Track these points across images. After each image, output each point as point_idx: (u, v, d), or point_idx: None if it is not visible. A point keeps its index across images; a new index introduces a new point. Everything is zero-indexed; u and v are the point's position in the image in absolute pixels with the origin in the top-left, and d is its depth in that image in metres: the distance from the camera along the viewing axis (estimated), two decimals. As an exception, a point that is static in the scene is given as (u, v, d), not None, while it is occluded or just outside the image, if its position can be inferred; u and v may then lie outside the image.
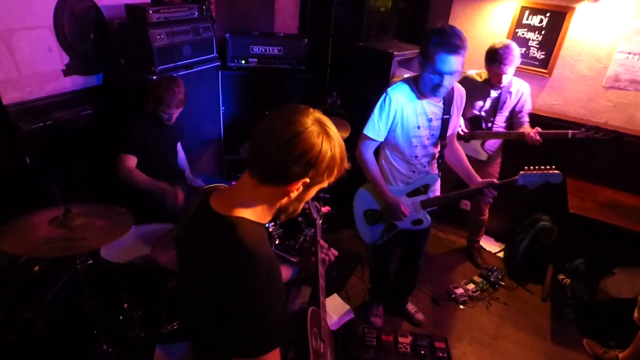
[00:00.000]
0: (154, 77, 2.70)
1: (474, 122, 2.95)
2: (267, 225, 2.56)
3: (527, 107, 2.84)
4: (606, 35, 2.89)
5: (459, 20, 3.31)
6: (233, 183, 3.11)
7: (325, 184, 1.06)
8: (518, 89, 2.81)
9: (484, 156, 2.99)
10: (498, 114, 2.86)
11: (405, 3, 3.79)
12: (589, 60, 3.00)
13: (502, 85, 2.75)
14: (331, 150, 0.97)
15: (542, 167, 2.04)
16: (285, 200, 1.04)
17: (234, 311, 0.92)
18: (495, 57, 2.64)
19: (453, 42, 1.81)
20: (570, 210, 2.73)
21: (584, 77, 3.05)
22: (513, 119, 2.88)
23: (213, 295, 0.96)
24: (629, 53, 2.86)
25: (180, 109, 2.50)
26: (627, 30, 2.82)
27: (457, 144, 2.30)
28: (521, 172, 2.05)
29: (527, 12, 3.07)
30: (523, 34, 3.12)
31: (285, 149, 0.93)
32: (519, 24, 3.12)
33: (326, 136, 0.97)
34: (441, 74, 1.87)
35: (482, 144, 2.97)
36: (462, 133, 2.87)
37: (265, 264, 0.96)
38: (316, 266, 1.50)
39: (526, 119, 2.83)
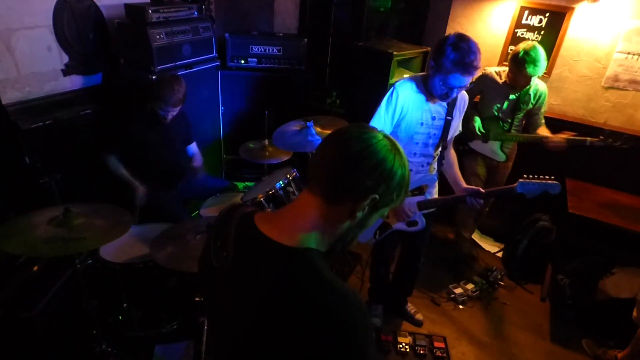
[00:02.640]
0: (154, 77, 2.71)
1: (490, 122, 2.89)
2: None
3: (544, 109, 2.82)
4: (605, 36, 2.89)
5: (458, 20, 3.31)
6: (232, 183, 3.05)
7: (385, 212, 0.97)
8: (537, 91, 2.76)
9: (501, 157, 2.96)
10: (516, 115, 2.83)
11: (405, 3, 3.80)
12: (588, 60, 3.00)
13: (524, 88, 2.71)
14: (402, 168, 0.91)
15: (542, 176, 2.01)
16: (347, 222, 0.93)
17: (334, 356, 0.81)
18: (526, 59, 2.56)
19: (469, 62, 1.81)
20: (569, 210, 2.74)
21: (583, 77, 3.05)
22: (530, 119, 2.86)
23: (287, 338, 0.83)
24: (628, 53, 2.86)
25: (177, 108, 2.50)
26: (626, 30, 2.82)
27: (452, 149, 2.29)
28: (520, 180, 2.02)
29: (526, 12, 3.07)
30: (522, 34, 3.13)
31: (358, 159, 0.87)
32: (518, 24, 3.12)
33: (397, 152, 0.91)
34: (452, 88, 1.91)
35: (501, 146, 2.93)
36: (479, 133, 2.85)
37: (358, 300, 0.86)
38: None
39: (542, 120, 2.82)
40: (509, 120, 2.85)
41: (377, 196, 0.89)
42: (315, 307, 0.81)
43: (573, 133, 2.65)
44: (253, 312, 0.87)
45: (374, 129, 0.92)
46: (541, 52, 2.56)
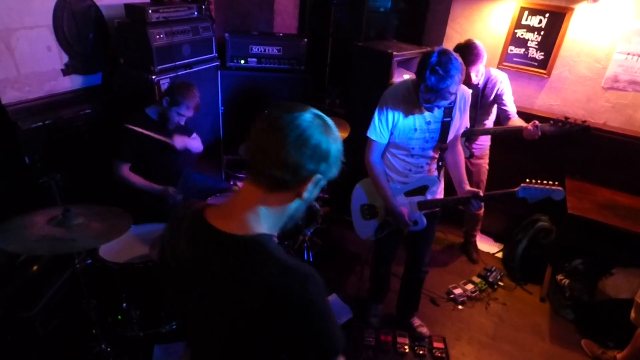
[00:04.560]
0: (166, 79, 2.76)
1: None
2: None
3: (507, 98, 2.78)
4: (605, 36, 2.89)
5: (458, 20, 3.31)
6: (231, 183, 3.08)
7: (324, 182, 1.01)
8: (495, 81, 2.76)
9: (466, 153, 2.96)
10: (479, 110, 2.83)
11: (405, 3, 3.80)
12: (588, 60, 3.00)
13: (473, 83, 2.71)
14: (335, 142, 0.96)
15: (545, 181, 1.97)
16: (295, 202, 0.98)
17: (302, 332, 0.88)
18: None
19: (444, 88, 1.79)
20: (569, 211, 2.74)
21: (583, 78, 3.05)
22: (498, 112, 2.86)
23: (266, 321, 0.88)
24: (628, 54, 2.86)
25: (192, 113, 2.58)
26: (626, 31, 2.82)
27: (459, 148, 2.26)
28: (522, 184, 1.99)
29: (526, 13, 3.07)
30: (522, 34, 3.13)
31: (297, 146, 0.89)
32: (518, 24, 3.12)
33: (329, 129, 0.95)
34: (433, 107, 1.93)
35: (466, 141, 2.95)
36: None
37: (312, 275, 0.91)
38: None
39: (512, 109, 2.78)
40: (473, 117, 2.84)
41: (320, 175, 0.94)
42: (275, 288, 0.87)
43: (535, 121, 2.62)
44: (220, 304, 0.93)
45: (302, 109, 0.94)
46: (473, 48, 2.57)
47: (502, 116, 2.83)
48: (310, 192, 0.96)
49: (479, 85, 2.77)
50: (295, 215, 1.02)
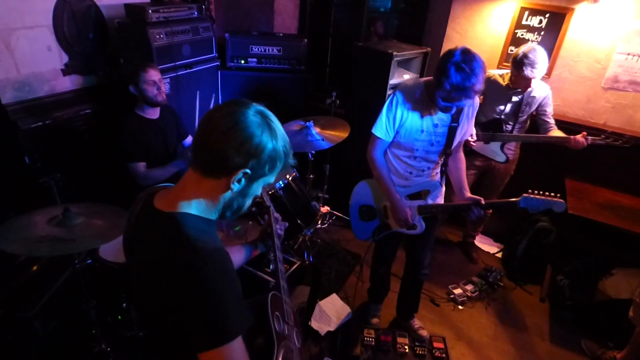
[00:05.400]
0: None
1: (492, 124, 2.89)
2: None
3: (549, 110, 2.81)
4: (605, 36, 2.89)
5: (458, 21, 3.31)
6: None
7: (271, 179, 1.06)
8: (540, 94, 2.77)
9: (502, 158, 2.97)
10: (519, 117, 2.84)
11: (405, 3, 3.80)
12: (588, 61, 3.00)
13: (526, 88, 2.71)
14: (272, 142, 0.99)
15: (547, 193, 1.99)
16: (228, 193, 1.03)
17: (190, 307, 0.92)
18: (525, 62, 2.58)
19: (469, 86, 1.76)
20: (569, 211, 2.73)
21: (583, 78, 3.05)
22: (538, 122, 2.86)
23: (166, 294, 0.95)
24: (628, 54, 2.86)
25: (158, 73, 2.42)
26: (626, 31, 2.82)
27: (462, 154, 2.25)
28: (524, 195, 1.99)
29: (526, 13, 3.07)
30: (522, 34, 3.13)
31: (225, 137, 0.95)
32: (518, 24, 3.12)
33: (268, 128, 0.98)
34: (452, 106, 1.90)
35: (502, 146, 2.94)
36: (472, 140, 2.82)
37: (214, 256, 0.96)
38: (275, 252, 1.55)
39: (552, 121, 2.81)
40: (511, 123, 2.85)
41: (248, 170, 0.98)
42: (177, 263, 0.93)
43: (584, 133, 2.66)
44: (142, 275, 1.04)
45: (246, 104, 1.00)
46: (541, 54, 2.56)
47: (543, 128, 2.83)
48: (242, 186, 1.02)
49: (524, 94, 2.76)
50: (232, 205, 1.07)
